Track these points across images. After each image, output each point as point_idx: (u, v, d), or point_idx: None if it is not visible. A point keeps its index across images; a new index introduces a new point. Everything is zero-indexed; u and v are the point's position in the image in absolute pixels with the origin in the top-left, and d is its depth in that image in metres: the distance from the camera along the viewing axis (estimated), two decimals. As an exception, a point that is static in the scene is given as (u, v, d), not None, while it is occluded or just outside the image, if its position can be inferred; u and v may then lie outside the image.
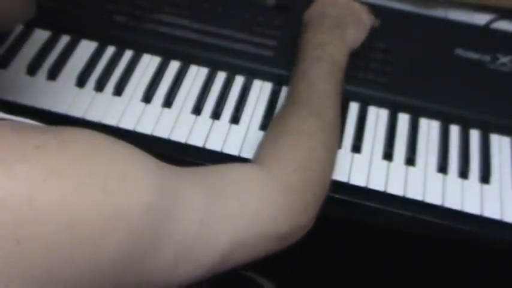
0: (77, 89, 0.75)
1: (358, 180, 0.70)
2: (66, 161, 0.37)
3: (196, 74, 0.79)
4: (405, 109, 0.77)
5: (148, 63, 0.79)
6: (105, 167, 0.39)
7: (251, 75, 0.78)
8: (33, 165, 0.36)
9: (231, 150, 0.71)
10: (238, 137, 0.72)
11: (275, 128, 0.64)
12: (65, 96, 0.74)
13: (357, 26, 0.74)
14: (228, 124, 0.74)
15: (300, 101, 0.64)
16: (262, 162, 0.58)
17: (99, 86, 0.76)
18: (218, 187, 0.49)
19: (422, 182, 0.70)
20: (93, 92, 0.75)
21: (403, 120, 0.76)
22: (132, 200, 0.39)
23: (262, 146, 0.62)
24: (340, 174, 0.70)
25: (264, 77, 0.78)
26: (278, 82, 0.78)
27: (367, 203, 0.69)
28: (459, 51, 0.79)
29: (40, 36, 0.81)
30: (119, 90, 0.76)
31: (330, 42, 0.69)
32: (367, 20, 0.76)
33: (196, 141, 0.72)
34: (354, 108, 0.77)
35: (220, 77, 0.79)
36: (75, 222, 0.36)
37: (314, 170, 0.59)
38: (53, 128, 0.41)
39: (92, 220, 0.37)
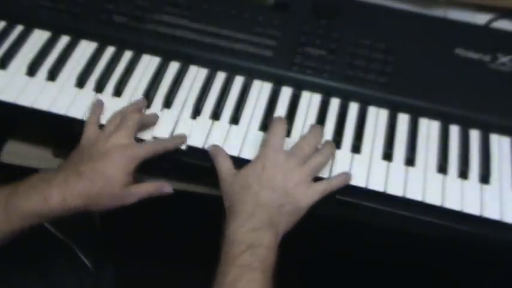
0: (76, 89, 0.76)
1: (357, 180, 0.70)
2: None
3: (196, 75, 0.79)
4: (405, 109, 0.77)
5: (148, 63, 0.79)
6: None
7: (251, 75, 0.78)
8: None
9: (231, 150, 0.71)
10: (238, 138, 0.72)
11: None
12: (65, 97, 0.75)
13: (292, 215, 0.64)
14: (227, 125, 0.74)
15: None
16: None
17: (99, 87, 0.76)
18: None
19: (422, 183, 0.70)
20: (93, 93, 0.75)
21: (403, 120, 0.76)
22: None
23: None
24: (340, 175, 0.70)
25: (264, 77, 0.78)
26: (278, 82, 0.78)
27: (367, 204, 0.69)
28: (459, 51, 0.79)
29: (40, 36, 0.81)
30: (118, 91, 0.75)
31: (262, 243, 0.59)
32: (303, 203, 0.65)
33: (196, 142, 0.72)
34: (353, 108, 0.77)
35: (220, 77, 0.79)
36: None
37: None
38: None
39: None
